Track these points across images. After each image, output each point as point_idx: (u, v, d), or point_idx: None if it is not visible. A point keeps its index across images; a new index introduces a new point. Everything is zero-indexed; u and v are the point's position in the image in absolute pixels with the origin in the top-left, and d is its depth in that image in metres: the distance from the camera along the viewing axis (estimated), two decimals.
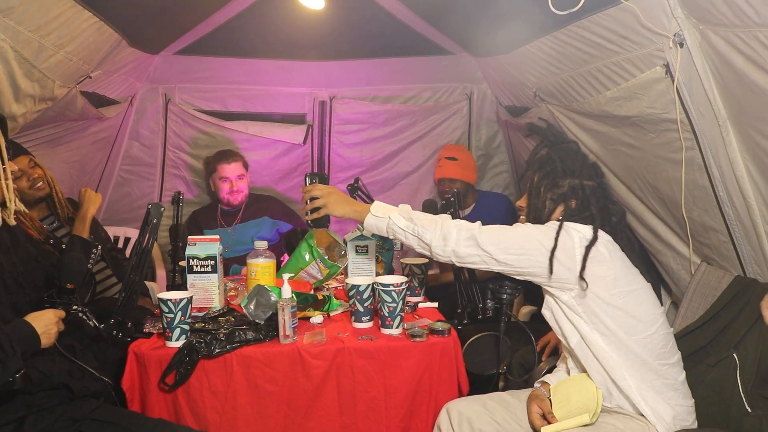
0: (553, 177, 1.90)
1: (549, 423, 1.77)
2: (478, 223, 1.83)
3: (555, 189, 1.89)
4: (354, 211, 1.98)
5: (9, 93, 2.09)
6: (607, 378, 1.76)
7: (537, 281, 1.80)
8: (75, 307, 1.93)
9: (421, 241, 1.84)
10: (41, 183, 2.57)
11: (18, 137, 2.53)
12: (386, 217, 1.89)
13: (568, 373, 1.91)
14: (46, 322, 1.70)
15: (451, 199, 2.40)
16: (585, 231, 1.78)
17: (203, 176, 3.72)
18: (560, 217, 1.83)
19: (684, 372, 1.82)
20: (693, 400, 1.81)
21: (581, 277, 1.71)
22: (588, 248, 1.73)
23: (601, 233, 1.78)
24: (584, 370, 1.82)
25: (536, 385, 1.92)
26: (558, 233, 1.75)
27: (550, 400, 1.84)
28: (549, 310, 1.85)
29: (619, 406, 1.78)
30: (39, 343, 1.67)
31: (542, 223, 1.87)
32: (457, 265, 1.86)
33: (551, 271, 1.73)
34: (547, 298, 1.85)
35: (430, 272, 3.10)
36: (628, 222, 2.61)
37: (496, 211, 3.31)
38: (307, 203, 2.04)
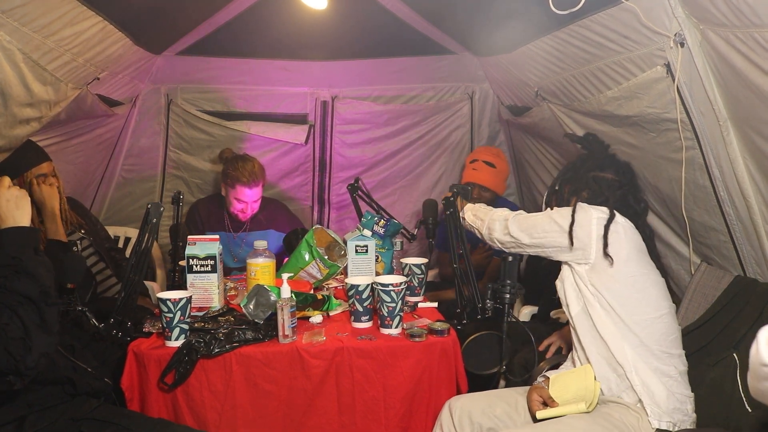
0: (572, 173, 2.12)
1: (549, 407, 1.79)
2: (514, 213, 2.08)
3: (573, 183, 2.09)
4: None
5: (23, 97, 2.10)
6: (605, 348, 1.81)
7: (562, 257, 1.93)
8: (75, 307, 1.94)
9: (479, 232, 2.18)
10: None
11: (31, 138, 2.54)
12: (463, 212, 2.28)
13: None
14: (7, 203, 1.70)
15: (450, 199, 2.39)
16: (602, 211, 1.87)
17: (204, 177, 3.73)
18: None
19: (686, 366, 1.85)
20: (693, 394, 1.83)
21: (606, 254, 1.81)
22: (607, 227, 1.83)
23: (618, 215, 1.87)
24: (584, 347, 1.86)
25: (539, 379, 1.93)
26: (574, 211, 1.88)
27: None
28: (561, 281, 1.95)
29: (618, 396, 1.80)
30: (33, 231, 1.70)
31: None
32: (505, 250, 2.08)
33: (571, 247, 1.87)
34: (563, 269, 1.95)
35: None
36: None
37: None
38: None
